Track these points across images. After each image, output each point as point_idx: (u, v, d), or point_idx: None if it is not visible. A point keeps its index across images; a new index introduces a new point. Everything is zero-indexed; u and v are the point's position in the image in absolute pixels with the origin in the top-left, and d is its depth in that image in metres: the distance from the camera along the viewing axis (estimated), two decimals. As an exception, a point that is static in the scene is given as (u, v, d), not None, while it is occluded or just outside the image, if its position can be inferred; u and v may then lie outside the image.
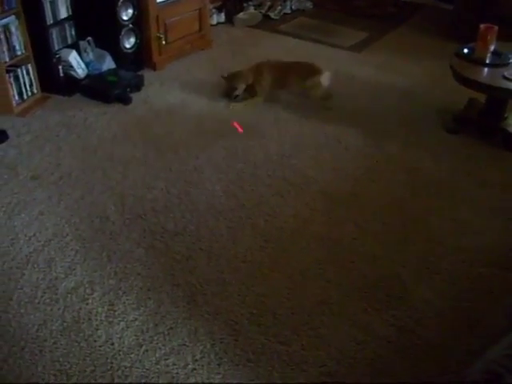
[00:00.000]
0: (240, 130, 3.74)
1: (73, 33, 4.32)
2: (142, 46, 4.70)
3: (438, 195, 3.32)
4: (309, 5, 6.47)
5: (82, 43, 4.45)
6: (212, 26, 5.58)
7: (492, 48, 3.77)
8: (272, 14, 6.12)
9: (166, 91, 4.46)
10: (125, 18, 4.44)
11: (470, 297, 2.62)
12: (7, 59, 3.87)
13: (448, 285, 2.68)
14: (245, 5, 6.04)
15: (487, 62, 3.76)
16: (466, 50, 3.88)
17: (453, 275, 2.74)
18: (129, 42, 4.59)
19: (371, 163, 3.59)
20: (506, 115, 3.86)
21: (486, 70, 3.75)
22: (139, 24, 4.59)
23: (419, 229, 3.04)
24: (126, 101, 4.22)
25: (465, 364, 2.21)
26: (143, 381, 2.20)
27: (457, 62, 3.79)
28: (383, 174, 3.49)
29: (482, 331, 2.44)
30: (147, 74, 4.63)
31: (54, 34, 4.14)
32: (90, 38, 4.49)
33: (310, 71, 4.23)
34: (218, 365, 2.27)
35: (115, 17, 4.35)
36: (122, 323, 2.43)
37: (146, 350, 2.32)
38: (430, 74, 4.81)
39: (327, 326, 2.45)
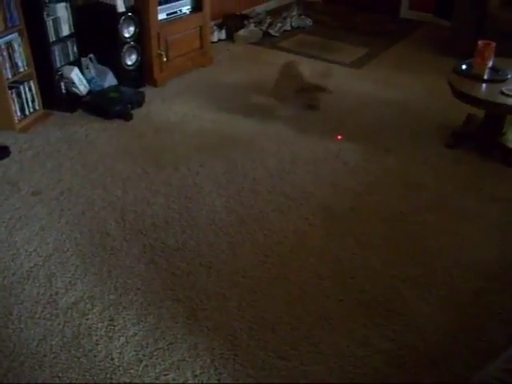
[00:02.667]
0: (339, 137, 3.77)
1: (75, 50, 4.38)
2: (144, 63, 4.74)
3: (437, 210, 3.33)
4: (308, 22, 6.53)
5: (84, 60, 4.50)
6: (213, 43, 5.65)
7: (490, 64, 3.81)
8: (272, 31, 6.18)
9: (167, 107, 4.49)
10: (126, 35, 4.49)
11: (469, 312, 2.62)
12: (10, 76, 3.91)
13: (448, 300, 2.68)
14: (245, 22, 6.10)
15: (485, 77, 3.78)
16: (464, 66, 3.91)
17: (452, 290, 2.74)
18: (130, 59, 4.64)
19: (370, 178, 3.61)
20: (504, 130, 3.88)
21: (484, 85, 3.77)
22: (141, 41, 4.64)
23: (419, 243, 3.05)
24: (127, 117, 4.25)
25: (464, 379, 2.21)
26: (143, 396, 2.20)
27: (455, 78, 3.82)
28: (382, 189, 3.51)
29: (481, 346, 2.43)
30: (148, 91, 4.67)
31: (57, 51, 4.20)
32: (91, 55, 4.54)
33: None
34: (218, 380, 2.26)
35: (117, 34, 4.40)
36: (121, 338, 2.43)
37: (146, 366, 2.32)
38: (429, 89, 4.85)
39: (327, 341, 2.45)
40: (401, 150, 3.93)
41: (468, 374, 2.26)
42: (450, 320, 2.57)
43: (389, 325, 2.53)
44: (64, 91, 4.35)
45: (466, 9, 5.38)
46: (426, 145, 4.01)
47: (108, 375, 2.27)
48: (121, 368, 2.30)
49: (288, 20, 6.39)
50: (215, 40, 5.83)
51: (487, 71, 3.80)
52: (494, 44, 3.76)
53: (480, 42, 3.79)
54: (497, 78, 3.78)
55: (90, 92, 4.48)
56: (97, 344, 2.41)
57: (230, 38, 5.99)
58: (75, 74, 4.35)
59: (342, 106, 4.55)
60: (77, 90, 4.39)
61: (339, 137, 3.71)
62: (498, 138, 3.86)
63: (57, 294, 2.66)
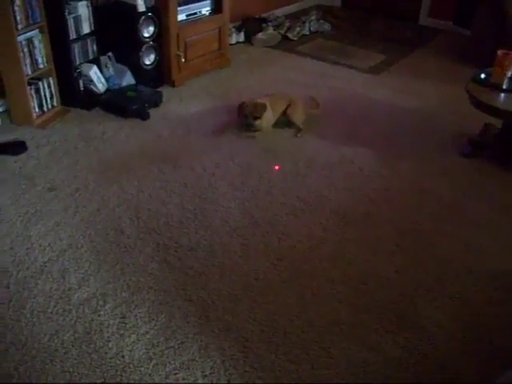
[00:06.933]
0: (277, 168, 3.74)
1: (94, 48, 4.40)
2: (162, 63, 4.77)
3: (451, 218, 3.31)
4: (327, 27, 6.53)
5: (103, 58, 4.53)
6: (231, 45, 5.66)
7: (509, 74, 3.78)
8: (291, 35, 6.19)
9: (184, 108, 4.51)
10: (146, 35, 4.52)
11: (481, 321, 2.60)
12: (29, 72, 3.95)
13: (459, 308, 2.67)
14: (264, 25, 6.11)
15: (504, 87, 3.76)
16: (482, 75, 3.89)
17: (465, 299, 2.72)
18: (149, 59, 4.66)
19: (385, 184, 3.59)
20: (521, 141, 3.85)
21: (502, 95, 3.75)
22: (160, 41, 4.66)
23: (432, 251, 3.04)
24: (144, 116, 4.27)
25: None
26: (152, 394, 2.21)
27: (473, 87, 3.81)
28: (397, 196, 3.49)
29: (493, 356, 2.41)
30: (166, 91, 4.68)
31: (76, 48, 4.22)
32: (110, 54, 4.57)
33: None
34: (228, 381, 2.26)
35: (136, 34, 4.43)
36: (133, 336, 2.44)
37: (156, 364, 2.32)
38: (447, 97, 4.83)
39: (337, 346, 2.44)
40: (416, 158, 3.91)
41: (479, 383, 2.24)
42: (462, 329, 2.55)
43: (400, 332, 2.52)
44: (82, 89, 4.38)
45: (486, 18, 5.37)
46: (441, 153, 3.99)
47: (118, 372, 2.28)
48: (131, 365, 2.31)
49: (306, 24, 6.40)
50: (233, 42, 5.85)
51: (506, 81, 3.77)
52: (514, 54, 3.74)
53: (499, 52, 3.77)
54: (516, 87, 3.76)
55: (107, 90, 4.50)
56: (108, 341, 2.42)
57: (249, 40, 6.01)
58: (94, 72, 4.38)
59: (358, 112, 4.54)
60: (95, 88, 4.41)
61: (277, 167, 3.70)
62: (514, 148, 3.84)
63: (70, 289, 2.67)
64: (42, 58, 4.02)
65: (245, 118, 4.04)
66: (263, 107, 4.03)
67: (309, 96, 4.46)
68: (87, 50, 4.34)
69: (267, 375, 2.29)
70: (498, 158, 3.89)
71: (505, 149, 3.89)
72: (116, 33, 4.52)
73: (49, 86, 4.14)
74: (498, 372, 1.78)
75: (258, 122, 4.03)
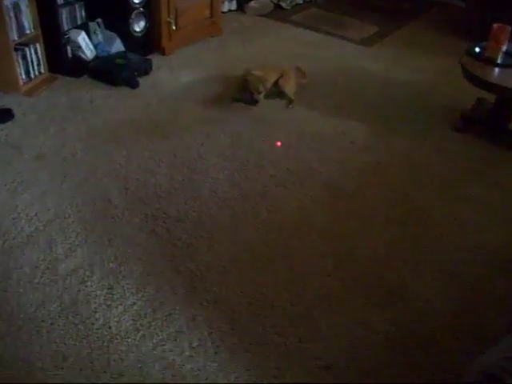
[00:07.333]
0: (279, 144, 3.69)
1: (83, 14, 4.30)
2: (152, 30, 4.67)
3: (442, 193, 3.30)
4: (321, -4, 6.42)
5: (92, 24, 4.43)
6: (223, 13, 5.55)
7: (504, 48, 3.73)
8: (284, 4, 6.08)
9: (174, 76, 4.44)
10: (136, 1, 4.41)
11: (469, 297, 2.61)
12: (16, 37, 3.85)
13: (448, 284, 2.67)
14: (257, -7, 6.00)
15: (499, 62, 3.72)
16: (477, 49, 3.84)
17: (453, 274, 2.73)
18: (139, 26, 4.57)
19: (377, 158, 3.57)
20: (514, 116, 3.83)
21: (496, 69, 3.71)
22: (150, 8, 4.56)
23: (422, 226, 3.03)
24: (133, 84, 4.20)
25: (462, 365, 2.21)
26: (139, 365, 2.20)
27: (467, 61, 3.76)
28: (388, 170, 3.47)
29: (480, 332, 2.43)
30: (156, 59, 4.60)
31: (64, 14, 4.12)
32: (99, 20, 4.47)
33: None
34: (215, 353, 2.26)
35: (126, -1, 4.33)
36: (120, 307, 2.43)
37: (143, 335, 2.31)
38: (440, 71, 4.78)
39: (325, 319, 2.44)
40: (408, 131, 3.88)
41: (466, 359, 2.25)
42: (450, 304, 2.56)
43: (388, 306, 2.52)
44: (70, 55, 4.29)
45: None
46: (434, 127, 3.96)
47: (105, 343, 2.27)
48: (118, 337, 2.30)
49: (300, -7, 6.29)
50: (225, 10, 5.74)
51: (501, 55, 3.73)
52: (509, 28, 3.68)
53: (495, 26, 3.72)
54: (511, 62, 3.71)
55: (96, 57, 4.41)
56: (95, 312, 2.40)
57: (241, 8, 5.90)
58: (82, 38, 4.28)
59: (351, 84, 4.49)
60: (83, 55, 4.32)
61: (279, 143, 3.65)
62: (507, 123, 3.81)
63: (56, 259, 2.65)
64: (29, 23, 3.91)
65: (250, 94, 3.98)
66: (266, 81, 4.00)
67: (295, 66, 4.39)
68: (75, 16, 4.24)
69: (254, 348, 2.29)
70: (491, 133, 3.87)
71: (497, 124, 3.87)
72: (105, -2, 4.41)
73: (36, 53, 4.04)
74: (486, 347, 1.78)
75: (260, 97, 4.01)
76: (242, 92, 4.04)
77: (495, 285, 2.68)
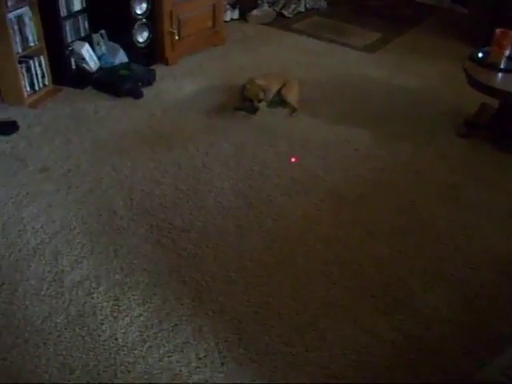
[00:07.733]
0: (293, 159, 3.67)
1: (86, 25, 4.32)
2: (155, 41, 4.69)
3: (446, 199, 3.30)
4: (323, 4, 6.44)
5: (95, 36, 4.45)
6: (225, 22, 5.57)
7: (507, 53, 3.74)
8: (286, 12, 6.10)
9: (177, 86, 4.45)
10: (138, 12, 4.44)
11: (476, 304, 2.60)
12: (20, 50, 3.87)
13: (454, 291, 2.66)
14: (259, 2, 6.01)
15: (502, 67, 3.72)
16: (480, 54, 3.85)
17: (460, 282, 2.72)
18: (142, 37, 4.59)
19: (381, 165, 3.57)
20: (518, 121, 3.82)
21: (500, 75, 3.71)
22: (153, 19, 4.58)
23: (427, 233, 3.02)
24: (137, 95, 4.22)
25: (469, 373, 2.20)
26: (146, 377, 2.20)
27: (470, 66, 3.76)
28: (392, 177, 3.47)
29: (487, 339, 2.41)
30: (159, 69, 4.62)
31: (68, 26, 4.14)
32: (103, 31, 4.49)
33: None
34: (222, 364, 2.26)
35: (129, 11, 4.35)
36: (126, 319, 2.43)
37: (150, 347, 2.31)
38: (443, 76, 4.78)
39: (332, 328, 2.44)
40: (412, 138, 3.88)
41: (472, 366, 2.24)
42: (457, 312, 2.55)
43: (395, 314, 2.51)
44: (74, 67, 4.31)
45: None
46: (437, 133, 3.96)
47: (112, 355, 2.27)
48: (125, 348, 2.30)
49: (302, 1, 6.29)
50: (228, 19, 5.76)
51: (504, 60, 3.73)
52: (512, 33, 3.69)
53: (498, 31, 3.72)
54: (514, 67, 3.71)
55: (100, 69, 4.43)
56: (101, 323, 2.40)
57: (243, 17, 5.92)
58: (86, 50, 4.30)
59: (354, 91, 4.49)
60: (87, 66, 4.34)
61: (293, 159, 3.62)
62: (511, 128, 3.80)
63: (62, 271, 2.65)
64: (33, 35, 3.94)
65: (250, 102, 3.99)
66: (268, 90, 4.01)
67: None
68: (79, 28, 4.27)
69: (261, 358, 2.29)
70: (494, 138, 3.87)
71: (501, 129, 3.86)
72: (108, 10, 4.43)
73: (40, 65, 4.07)
74: (493, 355, 1.77)
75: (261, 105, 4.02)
76: (243, 101, 4.05)
77: (501, 291, 2.67)
